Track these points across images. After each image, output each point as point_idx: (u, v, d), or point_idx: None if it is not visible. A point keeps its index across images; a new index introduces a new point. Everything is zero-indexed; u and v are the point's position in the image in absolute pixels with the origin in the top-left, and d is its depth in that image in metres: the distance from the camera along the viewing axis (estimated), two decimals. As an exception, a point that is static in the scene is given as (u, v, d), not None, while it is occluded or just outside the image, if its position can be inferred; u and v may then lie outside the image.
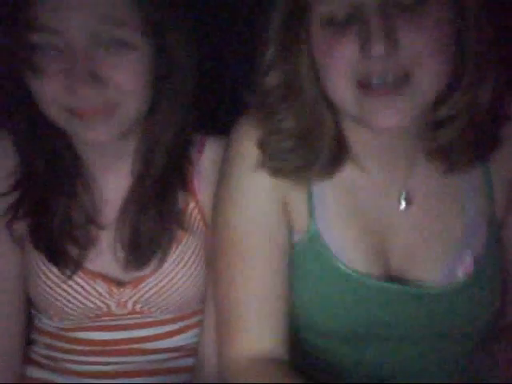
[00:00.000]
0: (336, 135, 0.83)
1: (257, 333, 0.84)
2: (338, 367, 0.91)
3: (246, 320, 0.84)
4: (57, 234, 0.92)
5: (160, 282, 0.95)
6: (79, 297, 0.95)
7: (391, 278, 0.86)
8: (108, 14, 0.82)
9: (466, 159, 0.83)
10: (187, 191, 0.96)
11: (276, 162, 0.84)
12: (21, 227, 0.95)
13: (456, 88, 0.79)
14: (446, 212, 0.88)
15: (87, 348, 0.99)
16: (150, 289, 0.95)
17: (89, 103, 0.83)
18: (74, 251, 0.93)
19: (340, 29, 0.75)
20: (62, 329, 0.99)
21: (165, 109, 0.92)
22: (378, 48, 0.72)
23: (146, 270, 0.94)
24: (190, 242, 0.96)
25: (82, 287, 0.94)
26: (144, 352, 0.99)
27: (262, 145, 0.84)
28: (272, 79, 0.82)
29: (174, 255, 0.95)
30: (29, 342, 1.04)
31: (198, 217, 0.97)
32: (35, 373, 1.03)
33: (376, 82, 0.75)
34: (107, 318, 0.97)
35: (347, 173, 0.86)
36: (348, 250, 0.85)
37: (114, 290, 0.95)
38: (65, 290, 0.94)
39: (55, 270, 0.94)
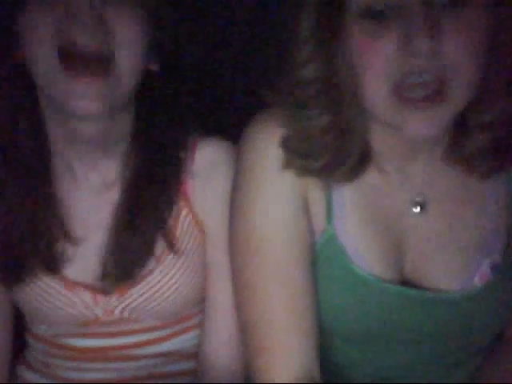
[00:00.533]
0: (365, 137, 0.80)
1: (293, 353, 0.79)
2: (344, 368, 0.90)
3: (279, 339, 0.80)
4: (16, 251, 0.88)
5: (147, 291, 0.92)
6: (64, 307, 0.92)
7: (405, 283, 0.84)
8: None
9: (492, 167, 0.81)
10: (179, 198, 0.92)
11: (303, 161, 0.80)
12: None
13: (488, 96, 0.76)
14: (463, 218, 0.85)
15: (77, 354, 0.97)
16: (137, 297, 0.92)
17: (85, 39, 0.77)
18: (52, 264, 0.89)
19: (378, 22, 0.71)
20: (52, 335, 0.98)
21: (156, 107, 0.89)
22: (423, 44, 0.68)
23: (132, 280, 0.91)
24: (181, 250, 0.92)
25: (66, 297, 0.92)
26: (134, 358, 0.97)
27: (287, 143, 0.81)
28: (308, 74, 0.77)
29: (162, 266, 0.92)
30: (23, 344, 1.03)
31: (192, 224, 0.93)
32: (28, 375, 1.01)
33: (410, 81, 0.71)
34: (96, 326, 0.95)
35: (366, 175, 0.83)
36: (364, 252, 0.83)
37: (100, 298, 0.92)
38: (48, 301, 0.92)
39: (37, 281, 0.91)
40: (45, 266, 0.89)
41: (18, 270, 0.89)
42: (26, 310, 0.96)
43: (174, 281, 0.92)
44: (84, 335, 0.96)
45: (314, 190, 0.83)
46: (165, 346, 0.98)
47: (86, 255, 0.92)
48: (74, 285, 0.92)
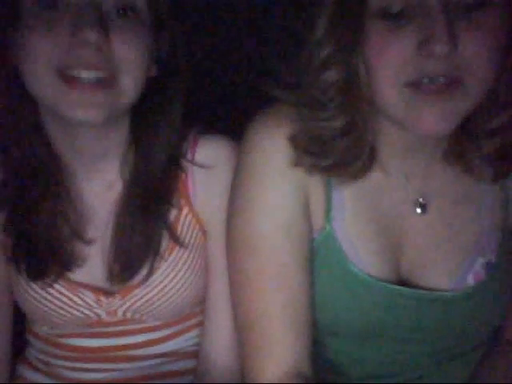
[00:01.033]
0: (371, 141, 0.80)
1: (286, 349, 0.80)
2: (340, 365, 0.91)
3: (274, 336, 0.80)
4: (39, 250, 0.88)
5: (150, 291, 0.92)
6: (66, 307, 0.92)
7: (401, 282, 0.85)
8: None
9: (497, 173, 0.82)
10: (180, 196, 0.92)
11: (312, 159, 0.80)
12: (5, 238, 0.91)
13: (497, 102, 0.77)
14: (461, 219, 0.87)
15: (79, 355, 0.97)
16: (140, 298, 0.92)
17: (88, 63, 0.76)
18: (56, 266, 0.89)
19: (396, 23, 0.71)
20: (54, 335, 0.98)
21: (156, 107, 0.87)
22: (442, 47, 0.68)
23: (134, 280, 0.91)
24: (182, 250, 0.92)
25: (68, 298, 0.91)
26: (136, 358, 0.97)
27: (296, 141, 0.80)
28: (329, 77, 0.77)
29: (165, 265, 0.91)
30: (24, 343, 1.03)
31: (193, 222, 0.93)
32: (29, 374, 1.01)
33: (425, 83, 0.71)
34: (99, 326, 0.95)
35: (368, 175, 0.83)
36: (361, 252, 0.83)
37: (103, 299, 0.92)
38: (50, 302, 0.92)
39: (39, 281, 0.90)
40: (60, 266, 0.89)
41: (40, 268, 0.89)
42: (28, 310, 0.95)
43: (176, 281, 0.92)
44: (86, 335, 0.96)
45: (316, 188, 0.83)
46: (166, 346, 0.98)
47: (88, 256, 0.91)
48: (77, 286, 0.91)
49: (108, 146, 0.89)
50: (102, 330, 0.95)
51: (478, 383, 0.94)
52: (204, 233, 0.94)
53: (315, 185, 0.83)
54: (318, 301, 0.84)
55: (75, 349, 0.97)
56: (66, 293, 0.91)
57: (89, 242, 0.91)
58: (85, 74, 0.77)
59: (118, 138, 0.89)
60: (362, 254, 0.83)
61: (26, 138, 0.86)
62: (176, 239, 0.91)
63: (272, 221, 0.81)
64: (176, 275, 0.92)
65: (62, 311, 0.92)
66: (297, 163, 0.80)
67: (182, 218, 0.92)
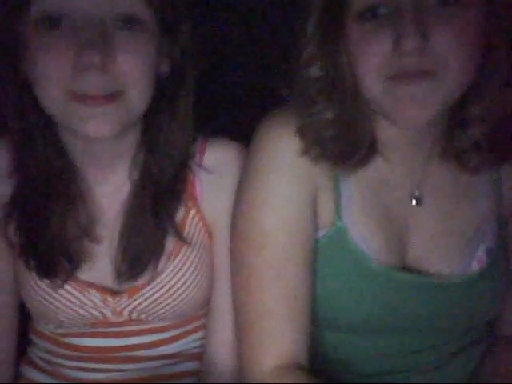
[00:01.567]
0: (372, 129, 0.84)
1: (284, 340, 0.82)
2: (349, 359, 0.92)
3: (272, 328, 0.83)
4: (49, 249, 0.88)
5: (157, 291, 0.92)
6: (73, 306, 0.92)
7: (409, 271, 0.88)
8: None
9: (482, 161, 0.85)
10: (188, 198, 0.92)
11: (318, 149, 0.83)
12: (14, 236, 0.91)
13: (485, 89, 0.79)
14: (459, 208, 0.90)
15: (84, 354, 0.97)
16: (147, 298, 0.92)
17: (95, 85, 0.77)
18: (65, 265, 0.89)
19: (374, 22, 0.75)
20: (59, 334, 0.98)
21: (166, 109, 0.88)
22: (411, 42, 0.72)
23: (142, 280, 0.91)
24: (189, 251, 0.93)
25: (75, 297, 0.92)
26: (140, 359, 0.97)
27: (302, 132, 0.83)
28: (313, 73, 0.82)
29: (172, 265, 0.92)
30: (28, 343, 1.03)
31: (200, 225, 0.94)
32: (32, 374, 1.01)
33: (403, 75, 0.75)
34: (104, 326, 0.95)
35: (372, 167, 0.86)
36: (371, 243, 0.86)
37: (109, 299, 0.92)
38: (58, 300, 0.92)
39: (47, 280, 0.91)
40: (69, 264, 0.90)
41: (50, 266, 0.89)
42: (35, 309, 0.95)
43: (182, 282, 0.92)
44: (90, 335, 0.96)
45: (324, 184, 0.85)
46: (171, 348, 0.98)
47: (97, 255, 0.92)
48: (84, 285, 0.92)
49: (119, 150, 0.90)
50: (107, 329, 0.96)
51: (478, 383, 0.96)
52: (210, 234, 0.95)
53: (324, 181, 0.85)
54: (329, 297, 0.86)
55: (79, 348, 0.97)
56: (74, 292, 0.92)
57: (97, 241, 0.91)
58: (93, 93, 0.78)
59: (129, 142, 0.90)
60: (374, 245, 0.86)
61: (39, 142, 0.87)
62: (183, 239, 0.91)
63: (278, 217, 0.83)
64: (183, 276, 0.92)
65: (68, 310, 0.92)
66: (304, 152, 0.83)
67: (189, 219, 0.93)
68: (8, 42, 0.81)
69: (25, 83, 0.82)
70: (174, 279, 0.92)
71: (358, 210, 0.86)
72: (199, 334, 1.00)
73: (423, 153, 0.87)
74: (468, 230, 0.90)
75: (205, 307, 0.98)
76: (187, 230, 0.93)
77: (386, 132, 0.85)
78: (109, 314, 0.93)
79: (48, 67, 0.77)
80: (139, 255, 0.90)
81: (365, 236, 0.86)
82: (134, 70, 0.79)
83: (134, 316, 0.94)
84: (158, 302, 0.92)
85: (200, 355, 0.99)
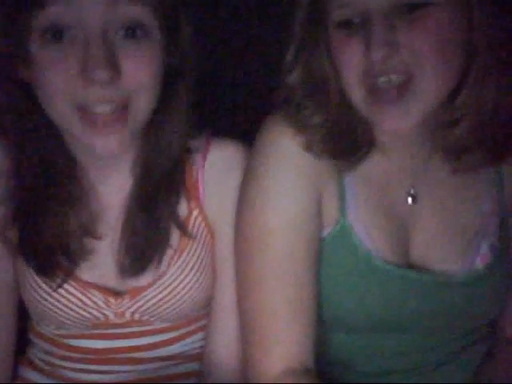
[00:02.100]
0: (366, 128, 0.84)
1: (291, 343, 0.82)
2: (350, 359, 0.92)
3: (278, 330, 0.82)
4: (49, 247, 0.88)
5: (159, 293, 0.91)
6: (75, 307, 0.91)
7: (413, 269, 0.88)
8: None
9: (476, 160, 0.85)
10: (191, 198, 0.92)
11: (320, 145, 0.83)
12: (13, 235, 0.90)
13: (462, 90, 0.80)
14: (460, 205, 0.90)
15: (85, 356, 0.96)
16: (149, 300, 0.92)
17: (102, 98, 0.77)
18: (65, 263, 0.89)
19: (350, 32, 0.77)
20: (60, 335, 0.97)
21: (171, 108, 0.88)
22: (377, 51, 0.74)
23: (144, 281, 0.91)
24: (192, 252, 0.92)
25: (77, 298, 0.91)
26: (141, 360, 0.96)
27: (300, 133, 0.84)
28: (295, 77, 0.83)
29: (175, 266, 0.91)
30: (27, 343, 1.02)
31: (202, 225, 0.93)
32: (31, 375, 1.00)
33: (381, 84, 0.76)
34: (105, 327, 0.94)
35: (373, 166, 0.86)
36: (376, 241, 0.86)
37: (112, 300, 0.91)
38: (59, 301, 0.91)
39: (48, 280, 0.90)
40: (69, 261, 0.89)
41: (49, 263, 0.89)
42: (35, 310, 0.94)
43: (185, 283, 0.92)
44: (91, 337, 0.95)
45: (327, 182, 0.85)
46: (172, 349, 0.97)
47: (98, 253, 0.91)
48: (86, 286, 0.91)
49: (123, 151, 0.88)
50: (108, 331, 0.95)
51: (479, 383, 0.96)
52: (213, 235, 0.94)
53: (328, 179, 0.85)
54: (333, 296, 0.86)
55: (80, 350, 0.96)
56: (75, 292, 0.91)
57: (98, 238, 0.90)
58: (99, 108, 0.78)
59: (132, 143, 0.88)
60: (378, 243, 0.86)
61: (41, 141, 0.86)
62: (187, 234, 0.91)
63: (282, 216, 0.83)
64: (185, 277, 0.92)
65: (70, 311, 0.91)
66: (307, 148, 0.83)
67: (191, 220, 0.92)
68: (9, 49, 0.80)
69: (26, 86, 0.81)
70: (177, 280, 0.91)
71: (362, 209, 0.86)
72: (200, 335, 0.99)
73: (422, 150, 0.88)
74: (470, 228, 0.90)
75: (206, 307, 0.97)
76: (190, 230, 0.92)
77: (380, 132, 0.85)
78: (111, 316, 0.92)
79: (53, 79, 0.77)
80: (142, 250, 0.89)
81: (369, 234, 0.86)
82: (140, 79, 0.79)
83: (136, 317, 0.93)
84: (161, 303, 0.92)
85: (201, 355, 0.98)
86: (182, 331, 0.98)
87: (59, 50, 0.77)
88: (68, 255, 0.89)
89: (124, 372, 0.96)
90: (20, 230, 0.89)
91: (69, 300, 0.91)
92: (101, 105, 0.78)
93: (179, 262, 0.91)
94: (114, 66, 0.76)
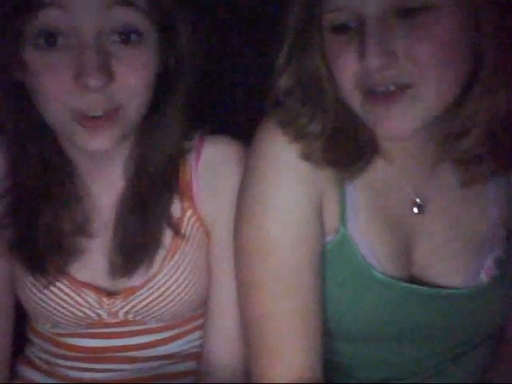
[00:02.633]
0: (368, 134, 0.81)
1: (298, 353, 0.79)
2: (350, 366, 0.91)
3: (285, 343, 0.79)
4: (42, 245, 0.88)
5: (152, 293, 0.91)
6: (68, 306, 0.91)
7: (414, 281, 0.85)
8: None
9: (486, 170, 0.81)
10: (184, 198, 0.91)
11: (319, 154, 0.80)
12: (8, 234, 0.90)
13: (470, 98, 0.76)
14: (467, 217, 0.87)
15: (80, 354, 0.96)
16: (142, 300, 0.91)
17: (95, 103, 0.77)
18: (59, 261, 0.89)
19: (344, 38, 0.74)
20: (56, 334, 0.97)
21: (167, 110, 0.87)
22: (372, 61, 0.70)
23: (137, 282, 0.90)
24: (185, 252, 0.91)
25: (70, 297, 0.91)
26: (137, 360, 0.96)
27: (295, 143, 0.81)
28: (286, 79, 0.80)
29: (168, 267, 0.91)
30: (25, 342, 1.03)
31: (196, 225, 0.92)
32: (30, 373, 1.01)
33: (379, 90, 0.73)
34: (100, 326, 0.94)
35: (375, 175, 0.83)
36: (376, 252, 0.83)
37: (104, 300, 0.91)
38: (52, 300, 0.91)
39: (41, 279, 0.90)
40: (61, 259, 0.89)
41: (41, 261, 0.89)
42: (30, 308, 0.95)
43: (178, 283, 0.91)
44: (86, 335, 0.95)
45: (328, 189, 0.82)
46: (168, 348, 0.97)
47: (91, 252, 0.91)
48: (79, 285, 0.91)
49: (115, 149, 0.87)
50: (103, 330, 0.95)
51: (477, 383, 0.95)
52: (207, 234, 0.93)
53: (329, 186, 0.82)
54: (333, 305, 0.84)
55: (76, 348, 0.96)
56: (69, 291, 0.91)
57: (91, 236, 0.90)
58: (93, 113, 0.78)
59: (125, 142, 0.88)
60: (378, 254, 0.83)
61: (35, 140, 0.86)
62: (179, 234, 0.90)
63: (283, 224, 0.80)
64: (179, 278, 0.91)
65: (63, 310, 0.92)
66: (306, 157, 0.80)
67: (185, 220, 0.91)
68: (3, 52, 0.80)
69: (21, 85, 0.81)
70: (170, 281, 0.91)
71: (363, 217, 0.83)
72: (197, 334, 0.99)
73: (427, 158, 0.84)
74: (476, 239, 0.86)
75: (202, 307, 0.96)
76: (183, 231, 0.91)
77: (382, 137, 0.82)
78: (104, 315, 0.92)
79: (46, 85, 0.77)
80: (134, 250, 0.88)
81: (369, 244, 0.83)
82: (133, 84, 0.79)
83: (129, 317, 0.93)
84: (154, 303, 0.91)
85: (198, 355, 0.98)
86: (178, 330, 0.97)
87: (52, 56, 0.76)
88: (61, 254, 0.89)
89: (121, 371, 0.96)
90: (14, 229, 0.89)
91: (62, 299, 0.91)
92: (93, 111, 0.78)
93: (172, 263, 0.91)
94: (107, 73, 0.76)
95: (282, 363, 0.80)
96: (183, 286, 0.91)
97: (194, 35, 0.86)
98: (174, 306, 0.92)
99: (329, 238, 0.83)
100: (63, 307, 0.91)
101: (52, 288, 0.90)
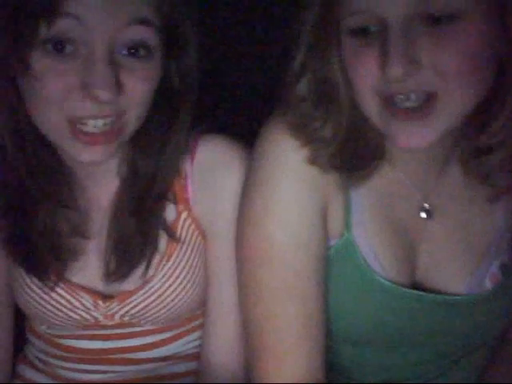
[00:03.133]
0: (379, 139, 0.79)
1: (301, 358, 0.79)
2: (350, 369, 0.90)
3: (288, 349, 0.79)
4: (39, 247, 0.87)
5: (148, 297, 0.90)
6: (64, 309, 0.91)
7: (417, 286, 0.84)
8: (135, 12, 0.75)
9: (505, 185, 0.80)
10: (179, 200, 0.89)
11: (325, 158, 0.78)
12: (4, 235, 0.89)
13: (498, 113, 0.73)
14: (472, 222, 0.85)
15: (77, 356, 0.96)
16: (138, 304, 0.90)
17: (99, 112, 0.76)
18: (55, 263, 0.88)
19: (364, 41, 0.70)
20: (53, 335, 0.97)
21: (163, 119, 0.86)
22: (395, 70, 0.66)
23: (132, 285, 0.90)
24: (181, 255, 0.90)
25: (66, 300, 0.91)
26: (135, 361, 0.96)
27: (305, 145, 0.79)
28: (303, 86, 0.77)
29: (164, 270, 0.90)
30: (25, 341, 1.03)
31: (192, 227, 0.91)
32: (28, 373, 1.01)
33: (398, 100, 0.70)
34: (96, 328, 0.94)
35: (381, 180, 0.81)
36: (380, 257, 0.82)
37: (100, 303, 0.91)
38: (49, 302, 0.91)
39: (37, 281, 0.89)
40: (58, 261, 0.88)
41: (38, 263, 0.88)
42: (26, 309, 0.94)
43: (174, 287, 0.90)
44: (84, 337, 0.95)
45: (333, 193, 0.81)
46: (165, 349, 0.96)
47: (87, 255, 0.90)
48: (75, 288, 0.90)
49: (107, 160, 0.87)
50: (100, 332, 0.94)
51: (478, 383, 0.95)
52: (204, 237, 0.92)
53: (333, 190, 0.81)
54: (335, 308, 0.83)
55: (73, 350, 0.96)
56: (65, 294, 0.90)
57: (87, 238, 0.90)
58: (92, 123, 0.77)
59: (120, 145, 0.86)
60: (382, 259, 0.82)
61: (30, 141, 0.84)
62: (174, 237, 0.89)
63: (287, 229, 0.79)
64: (175, 281, 0.90)
65: (59, 313, 0.91)
66: (312, 162, 0.78)
67: (180, 224, 0.90)
68: (7, 54, 0.78)
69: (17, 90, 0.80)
70: (166, 284, 0.90)
71: (368, 222, 0.82)
72: (195, 335, 0.98)
73: (437, 162, 0.82)
74: (482, 245, 0.85)
75: (201, 308, 0.95)
76: (179, 233, 0.90)
77: (393, 146, 0.79)
78: (100, 318, 0.92)
79: (49, 90, 0.76)
80: (128, 253, 0.88)
81: (373, 250, 0.82)
82: (136, 96, 0.78)
83: (125, 320, 0.92)
84: (150, 307, 0.91)
85: (198, 355, 0.97)
86: (175, 332, 0.96)
87: (59, 62, 0.75)
88: (57, 256, 0.88)
89: (120, 372, 0.96)
90: (10, 231, 0.89)
91: (58, 302, 0.91)
92: (95, 120, 0.77)
93: (168, 266, 0.90)
94: (117, 86, 0.75)
95: (283, 365, 0.79)
96: (179, 289, 0.90)
97: (198, 35, 0.85)
98: (170, 308, 0.91)
99: (332, 242, 0.82)
100: (59, 309, 0.91)
101: (48, 290, 0.90)
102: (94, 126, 0.77)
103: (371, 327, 0.83)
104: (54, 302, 0.91)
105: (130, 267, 0.88)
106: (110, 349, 0.95)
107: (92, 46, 0.74)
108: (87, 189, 0.90)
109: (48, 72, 0.75)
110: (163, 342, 0.96)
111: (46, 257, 0.88)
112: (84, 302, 0.91)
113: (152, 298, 0.90)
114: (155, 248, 0.89)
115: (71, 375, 0.97)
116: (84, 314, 0.91)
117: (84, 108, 0.76)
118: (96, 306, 0.91)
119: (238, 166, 0.87)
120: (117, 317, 0.92)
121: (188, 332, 0.98)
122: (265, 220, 0.79)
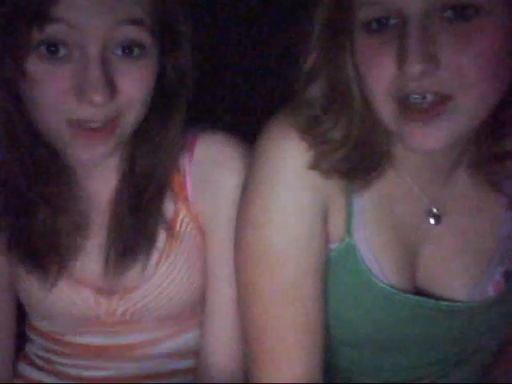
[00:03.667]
0: (383, 143, 0.77)
1: (299, 366, 0.78)
2: (350, 372, 0.90)
3: (287, 353, 0.78)
4: (38, 244, 0.88)
5: (148, 294, 0.91)
6: (65, 305, 0.92)
7: (418, 292, 0.83)
8: (126, 13, 0.76)
9: None
10: (178, 198, 0.90)
11: (328, 162, 0.76)
12: (5, 233, 0.90)
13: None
14: (478, 228, 0.84)
15: (79, 352, 0.97)
16: (139, 301, 0.91)
17: (97, 115, 0.77)
18: (56, 261, 0.89)
19: (380, 37, 0.68)
20: (54, 331, 0.97)
21: (160, 113, 0.86)
22: (415, 68, 0.64)
23: (133, 283, 0.90)
24: (180, 253, 0.91)
25: (67, 296, 0.91)
26: (136, 357, 0.96)
27: (310, 149, 0.77)
28: (316, 89, 0.75)
29: (163, 268, 0.90)
30: (25, 340, 1.03)
31: (191, 225, 0.91)
32: (29, 372, 1.01)
33: (414, 100, 0.68)
34: (97, 325, 0.94)
35: (385, 184, 0.80)
36: (381, 263, 0.81)
37: (101, 299, 0.91)
38: (50, 299, 0.91)
39: (38, 279, 0.90)
40: (58, 256, 0.89)
41: (38, 259, 0.89)
42: (28, 306, 0.95)
43: (175, 283, 0.91)
44: (85, 333, 0.95)
45: (335, 196, 0.79)
46: (166, 346, 0.97)
47: (88, 251, 0.91)
48: (76, 284, 0.91)
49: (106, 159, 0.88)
50: (102, 328, 0.95)
51: (478, 383, 0.94)
52: (203, 234, 0.92)
53: (335, 194, 0.79)
54: (335, 312, 0.83)
55: (75, 346, 0.97)
56: (66, 290, 0.91)
57: (87, 235, 0.90)
58: (91, 124, 0.78)
59: (119, 143, 0.87)
60: (383, 264, 0.81)
61: (29, 138, 0.85)
62: (172, 233, 0.89)
63: (287, 233, 0.78)
64: (174, 279, 0.91)
65: (61, 309, 0.92)
66: (314, 166, 0.77)
67: (178, 221, 0.91)
68: (3, 59, 0.79)
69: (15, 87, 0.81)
70: (166, 282, 0.91)
71: (370, 227, 0.80)
72: (195, 332, 0.98)
73: (446, 167, 0.81)
74: (487, 251, 0.84)
75: (200, 305, 0.96)
76: (177, 231, 0.90)
77: (399, 148, 0.79)
78: (101, 314, 0.93)
79: (45, 94, 0.76)
80: (127, 250, 0.88)
81: (374, 253, 0.80)
82: (134, 96, 0.79)
83: (127, 316, 0.93)
84: (151, 304, 0.91)
85: (196, 352, 0.98)
86: (175, 329, 0.97)
87: (54, 65, 0.76)
88: (57, 253, 0.89)
89: (120, 368, 0.96)
90: (11, 229, 0.89)
91: (60, 298, 0.91)
92: (93, 121, 0.78)
93: (167, 264, 0.90)
94: (111, 88, 0.76)
95: (282, 367, 0.79)
96: (179, 285, 0.91)
97: (197, 35, 0.85)
98: (170, 305, 0.92)
99: (333, 246, 0.81)
100: (61, 306, 0.92)
101: (49, 287, 0.90)
102: (92, 126, 0.78)
103: (371, 331, 0.83)
104: (55, 298, 0.91)
105: (129, 262, 0.89)
106: (110, 345, 0.96)
107: (85, 49, 0.75)
108: (87, 187, 0.91)
109: (43, 76, 0.76)
110: (163, 339, 0.97)
111: (46, 255, 0.88)
112: (85, 297, 0.91)
113: (152, 295, 0.91)
114: (153, 243, 0.89)
115: (72, 372, 0.97)
116: (85, 311, 0.92)
117: (80, 111, 0.76)
118: (97, 302, 0.92)
119: (237, 163, 0.88)
120: (118, 313, 0.92)
121: (187, 329, 0.98)
122: (263, 222, 0.78)
